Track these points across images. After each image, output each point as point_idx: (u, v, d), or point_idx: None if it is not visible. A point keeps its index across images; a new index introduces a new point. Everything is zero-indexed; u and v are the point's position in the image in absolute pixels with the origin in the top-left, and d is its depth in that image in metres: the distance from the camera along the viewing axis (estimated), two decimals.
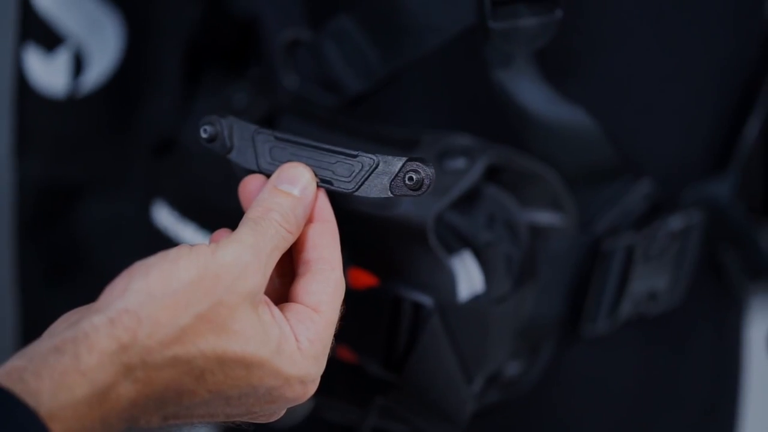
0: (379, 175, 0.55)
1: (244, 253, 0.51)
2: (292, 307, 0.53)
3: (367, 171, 0.56)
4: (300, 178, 0.56)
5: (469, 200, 0.66)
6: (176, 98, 0.79)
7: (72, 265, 0.93)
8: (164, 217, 0.75)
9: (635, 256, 0.71)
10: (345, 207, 0.64)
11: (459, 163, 0.65)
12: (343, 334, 0.65)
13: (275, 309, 0.52)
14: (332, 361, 0.68)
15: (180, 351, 0.48)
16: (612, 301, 0.73)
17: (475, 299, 0.63)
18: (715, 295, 0.82)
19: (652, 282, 0.74)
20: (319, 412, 0.71)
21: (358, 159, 0.56)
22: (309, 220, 0.56)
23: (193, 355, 0.49)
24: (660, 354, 0.79)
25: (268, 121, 0.72)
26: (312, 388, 0.54)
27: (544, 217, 0.68)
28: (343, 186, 0.56)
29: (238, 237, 0.51)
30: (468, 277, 0.63)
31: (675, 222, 0.72)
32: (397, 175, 0.55)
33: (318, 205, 0.56)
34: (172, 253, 0.50)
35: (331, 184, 0.56)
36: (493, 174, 0.67)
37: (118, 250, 0.93)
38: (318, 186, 0.56)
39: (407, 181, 0.54)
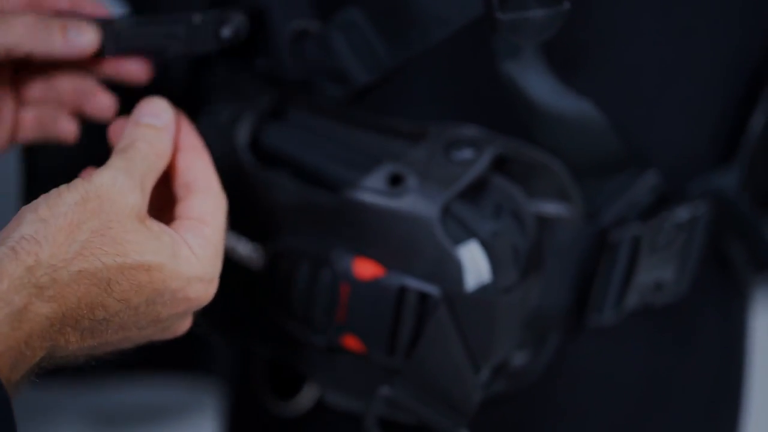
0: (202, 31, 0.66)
1: (118, 175, 0.56)
2: (178, 223, 0.58)
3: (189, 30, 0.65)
4: (161, 111, 0.60)
5: (476, 191, 0.66)
6: (182, 90, 0.80)
7: None
8: None
9: (641, 247, 0.71)
10: (351, 197, 0.65)
11: (466, 153, 0.65)
12: (349, 324, 0.66)
13: (162, 224, 0.57)
14: (338, 351, 0.68)
15: (84, 265, 0.53)
16: (618, 292, 0.73)
17: (482, 289, 0.64)
18: (720, 285, 0.82)
19: (658, 273, 0.74)
20: (325, 401, 0.71)
21: (181, 22, 0.64)
22: (177, 149, 0.60)
23: (97, 267, 0.53)
24: (665, 345, 0.79)
25: (275, 113, 0.72)
26: (213, 287, 0.58)
27: (551, 208, 0.69)
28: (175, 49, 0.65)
29: (110, 164, 0.57)
30: (475, 267, 0.64)
31: (681, 213, 0.73)
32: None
33: (183, 134, 0.61)
34: (53, 190, 0.55)
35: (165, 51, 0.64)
36: (500, 165, 0.67)
37: None
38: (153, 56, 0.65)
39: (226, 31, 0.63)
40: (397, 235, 0.64)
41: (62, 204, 0.54)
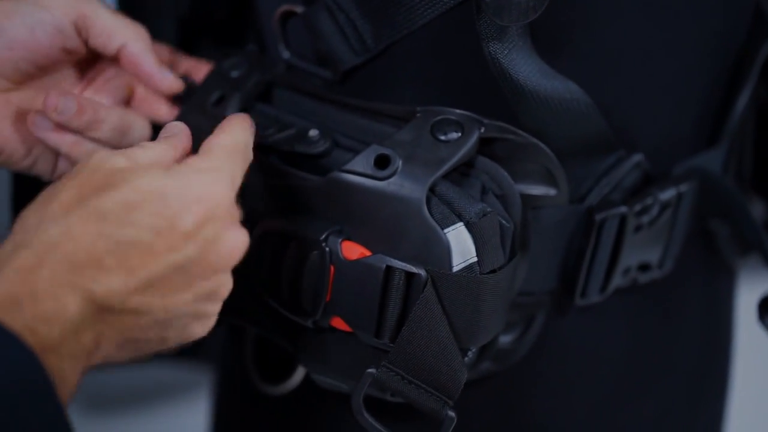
0: None
1: (101, 152, 0.57)
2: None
3: None
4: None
5: (462, 172, 0.66)
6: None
7: None
8: None
9: (627, 226, 0.72)
10: (338, 179, 0.65)
11: (452, 135, 0.65)
12: (336, 304, 0.66)
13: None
14: (325, 331, 0.69)
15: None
16: (604, 271, 0.73)
17: (469, 270, 0.64)
18: (705, 263, 0.83)
19: (643, 252, 0.75)
20: (312, 381, 0.71)
21: None
22: None
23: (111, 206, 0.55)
24: (651, 322, 0.79)
25: (262, 95, 0.73)
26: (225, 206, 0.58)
27: (537, 190, 0.69)
28: None
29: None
30: (461, 247, 0.64)
31: (666, 193, 0.73)
32: None
33: None
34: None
35: None
36: (486, 146, 0.67)
37: None
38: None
39: None
40: (383, 216, 0.64)
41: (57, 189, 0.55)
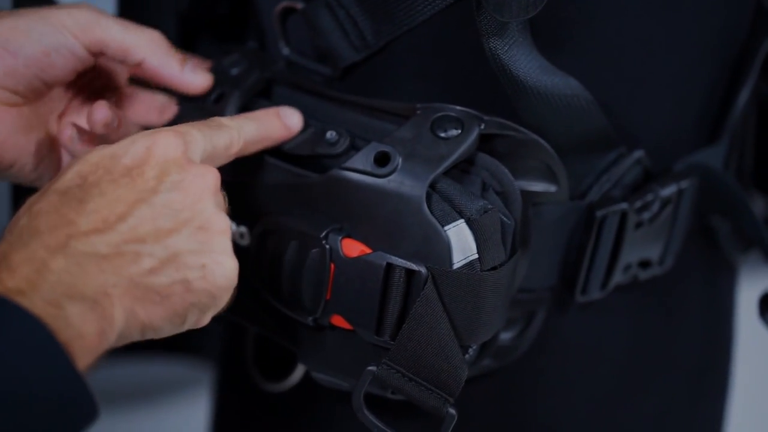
0: None
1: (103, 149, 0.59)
2: None
3: None
4: None
5: (462, 169, 0.66)
6: None
7: None
8: None
9: (627, 223, 0.72)
10: (338, 176, 0.65)
11: (452, 132, 0.65)
12: (336, 302, 0.66)
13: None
14: (326, 329, 0.68)
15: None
16: (604, 268, 0.73)
17: (469, 267, 0.64)
18: (706, 260, 0.82)
19: (644, 248, 0.75)
20: (312, 379, 0.71)
21: None
22: None
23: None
24: (651, 319, 0.79)
25: (263, 92, 0.72)
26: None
27: (538, 187, 0.69)
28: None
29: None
30: (461, 245, 0.64)
31: (667, 189, 0.73)
32: None
33: None
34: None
35: None
36: (486, 143, 0.67)
37: None
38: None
39: None
40: (384, 213, 0.64)
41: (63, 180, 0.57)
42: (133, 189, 0.57)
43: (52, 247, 0.53)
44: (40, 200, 0.56)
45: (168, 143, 0.59)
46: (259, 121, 0.66)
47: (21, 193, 0.88)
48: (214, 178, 0.59)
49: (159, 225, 0.56)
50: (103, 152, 0.58)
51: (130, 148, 0.58)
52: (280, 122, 0.67)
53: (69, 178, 0.57)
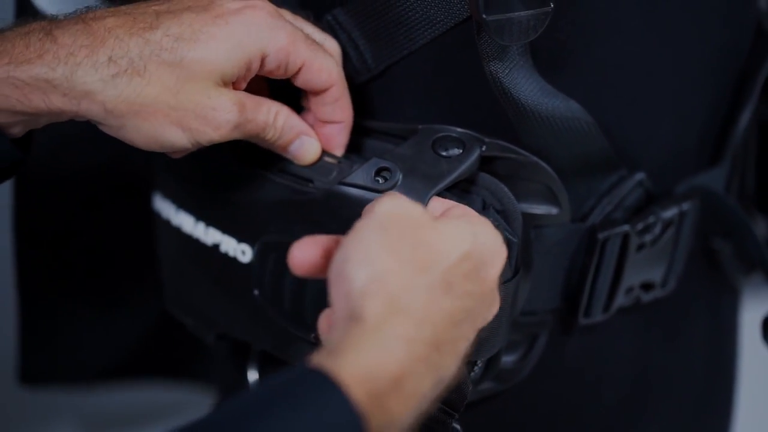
0: None
1: (395, 196, 0.57)
2: (453, 209, 0.61)
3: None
4: None
5: (462, 189, 0.66)
6: None
7: (73, 267, 0.94)
8: (164, 208, 0.75)
9: (629, 245, 0.72)
10: (339, 192, 0.65)
11: (454, 151, 0.66)
12: None
13: (449, 211, 0.61)
14: None
15: (425, 280, 0.54)
16: (607, 290, 0.73)
17: None
18: (709, 282, 0.82)
19: (646, 270, 0.75)
20: None
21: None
22: None
23: (436, 279, 0.55)
24: (654, 341, 0.79)
25: None
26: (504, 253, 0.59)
27: (538, 209, 0.69)
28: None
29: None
30: None
31: (668, 211, 0.73)
32: None
33: None
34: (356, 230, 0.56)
35: None
36: (486, 165, 0.67)
37: (120, 252, 0.94)
38: None
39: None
40: None
41: (370, 240, 0.55)
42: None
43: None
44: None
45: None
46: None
47: (21, 193, 0.88)
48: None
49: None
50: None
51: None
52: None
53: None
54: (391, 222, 0.55)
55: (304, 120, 0.67)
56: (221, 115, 0.62)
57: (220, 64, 0.62)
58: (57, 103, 0.60)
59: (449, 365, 0.55)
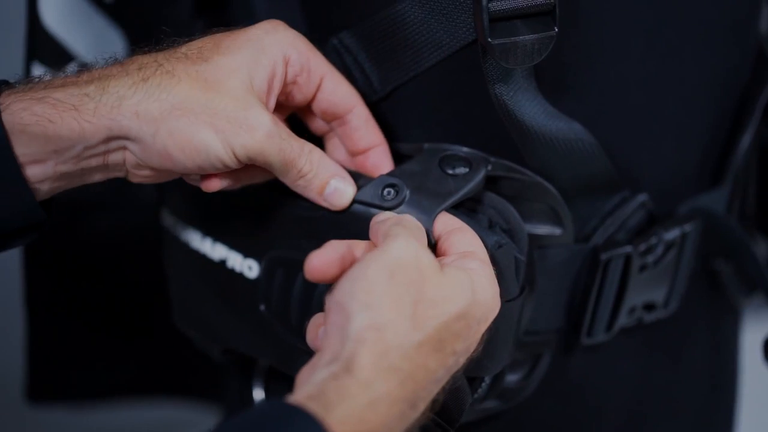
0: None
1: (410, 241, 0.58)
2: (455, 259, 0.61)
3: None
4: None
5: (468, 207, 0.67)
6: None
7: (78, 274, 0.94)
8: (171, 224, 0.76)
9: (632, 266, 0.72)
10: (347, 209, 0.66)
11: (460, 169, 0.66)
12: None
13: (449, 264, 0.60)
14: None
15: (419, 336, 0.56)
16: (609, 311, 0.74)
17: None
18: (710, 302, 0.83)
19: (648, 291, 0.75)
20: None
21: None
22: None
23: (430, 334, 0.56)
24: (656, 362, 0.80)
25: None
26: (498, 301, 0.61)
27: (542, 230, 0.69)
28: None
29: (395, 234, 0.59)
30: None
31: (671, 233, 0.74)
32: None
33: None
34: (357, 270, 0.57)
35: None
36: (491, 185, 0.68)
37: (124, 259, 0.94)
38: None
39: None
40: None
41: (376, 283, 0.56)
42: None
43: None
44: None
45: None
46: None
47: None
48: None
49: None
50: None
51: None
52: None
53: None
54: (401, 269, 0.56)
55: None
56: (253, 116, 0.62)
57: (247, 65, 0.63)
58: (89, 118, 0.60)
59: (418, 416, 0.57)
